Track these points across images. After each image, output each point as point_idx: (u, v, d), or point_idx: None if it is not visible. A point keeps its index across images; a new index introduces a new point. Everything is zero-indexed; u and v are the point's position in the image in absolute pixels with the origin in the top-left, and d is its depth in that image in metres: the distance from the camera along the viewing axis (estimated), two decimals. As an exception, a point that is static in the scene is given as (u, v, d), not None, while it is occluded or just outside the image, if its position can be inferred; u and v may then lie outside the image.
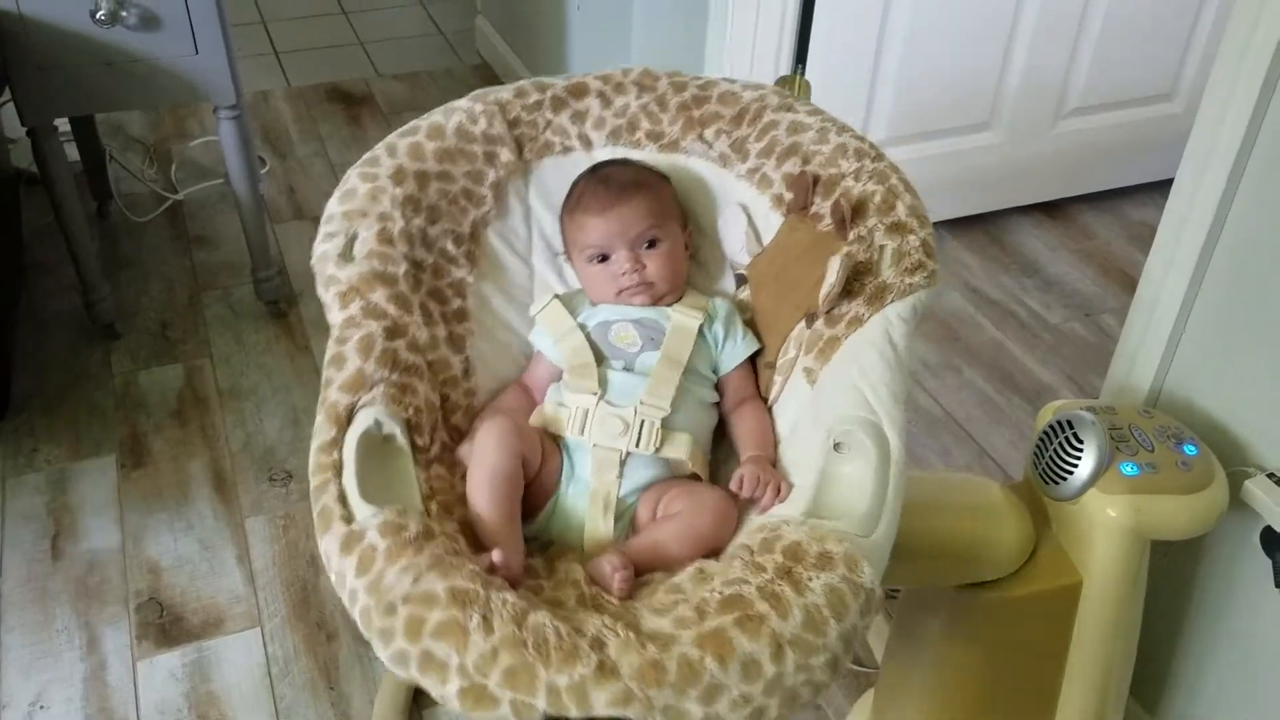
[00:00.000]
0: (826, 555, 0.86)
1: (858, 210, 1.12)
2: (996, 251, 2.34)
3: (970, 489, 1.20)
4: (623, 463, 1.07)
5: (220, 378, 1.96)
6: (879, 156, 1.16)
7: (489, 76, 2.99)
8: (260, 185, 2.02)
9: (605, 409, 1.08)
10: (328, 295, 1.06)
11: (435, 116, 1.21)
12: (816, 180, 1.16)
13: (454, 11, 3.35)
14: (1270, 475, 1.10)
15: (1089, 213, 2.47)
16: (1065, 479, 1.11)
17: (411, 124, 1.20)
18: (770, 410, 1.14)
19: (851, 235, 1.11)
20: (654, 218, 1.17)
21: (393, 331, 1.05)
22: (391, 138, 1.18)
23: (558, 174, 1.24)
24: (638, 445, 1.07)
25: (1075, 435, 1.11)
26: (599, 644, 0.80)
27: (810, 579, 0.84)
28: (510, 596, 0.83)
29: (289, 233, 2.36)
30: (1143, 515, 1.08)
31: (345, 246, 1.08)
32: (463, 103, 1.22)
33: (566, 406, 1.10)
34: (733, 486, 1.03)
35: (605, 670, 0.78)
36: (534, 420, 1.10)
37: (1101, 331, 2.12)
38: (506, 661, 0.78)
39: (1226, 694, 1.27)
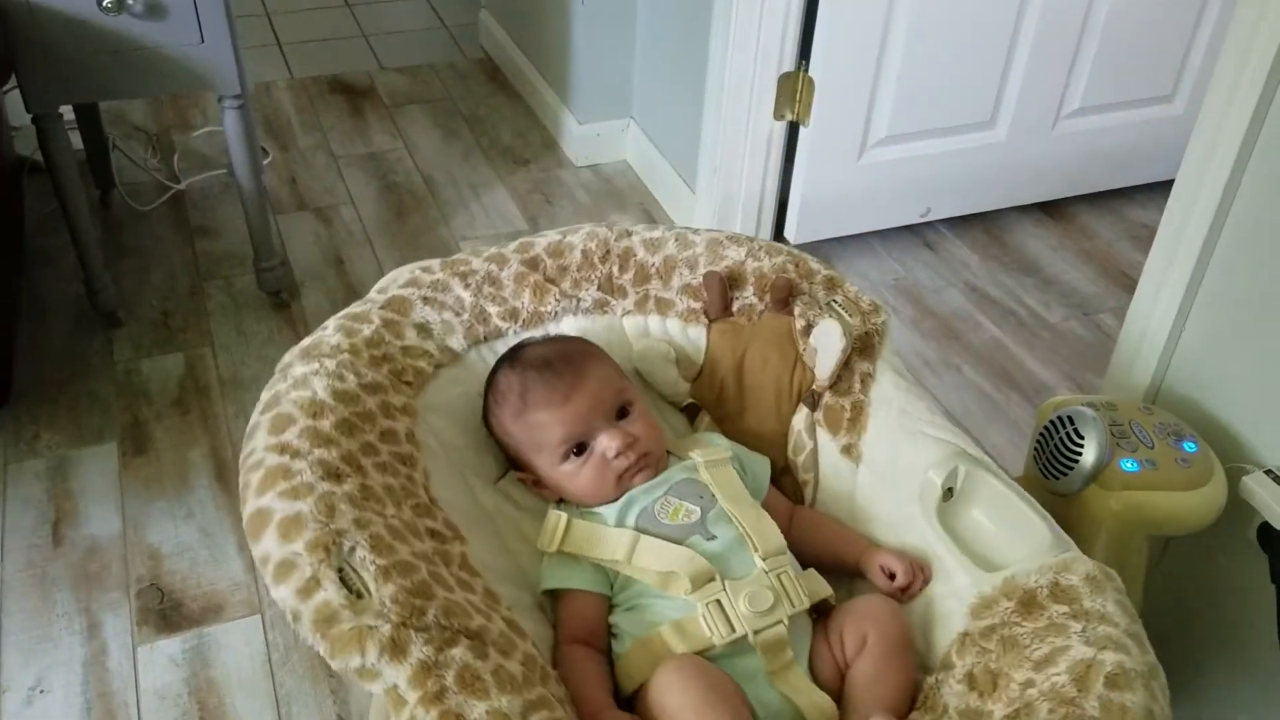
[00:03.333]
0: (1075, 585, 0.91)
1: (788, 282, 1.13)
2: (997, 250, 2.35)
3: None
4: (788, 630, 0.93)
5: (222, 367, 1.96)
6: (749, 236, 1.17)
7: (492, 70, 3.00)
8: (262, 176, 2.02)
9: (739, 588, 0.92)
10: (393, 674, 0.80)
11: (292, 394, 1.01)
12: (726, 277, 1.14)
13: (457, 5, 3.35)
14: (1268, 472, 1.11)
15: (1089, 213, 2.48)
16: (1066, 474, 1.12)
17: (256, 421, 1.00)
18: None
19: (797, 307, 1.13)
20: (617, 381, 1.05)
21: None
22: (266, 438, 0.95)
23: (439, 393, 1.10)
24: (793, 604, 0.93)
25: (1076, 431, 1.11)
26: None
27: (1093, 620, 0.88)
28: None
29: (291, 224, 2.36)
30: (1142, 511, 1.09)
31: (342, 588, 0.83)
32: (327, 364, 1.05)
33: (693, 616, 0.91)
34: (880, 583, 0.99)
35: None
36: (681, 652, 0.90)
37: (1100, 331, 2.13)
38: None
39: (1225, 689, 1.28)
